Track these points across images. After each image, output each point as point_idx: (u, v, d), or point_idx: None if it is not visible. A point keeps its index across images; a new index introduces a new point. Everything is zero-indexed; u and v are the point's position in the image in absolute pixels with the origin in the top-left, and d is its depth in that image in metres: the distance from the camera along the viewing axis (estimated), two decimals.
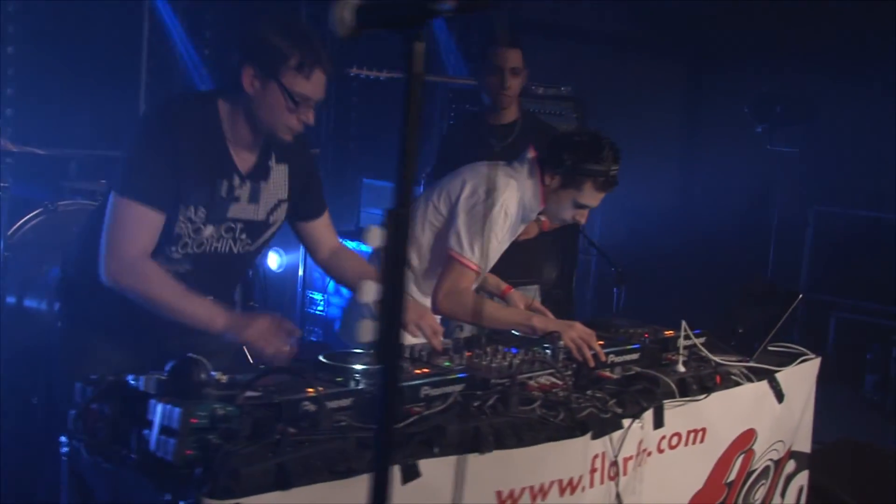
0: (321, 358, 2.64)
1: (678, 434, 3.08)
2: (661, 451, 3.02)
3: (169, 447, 1.99)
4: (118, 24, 6.34)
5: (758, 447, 3.35)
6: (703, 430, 3.16)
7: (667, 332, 3.38)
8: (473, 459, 2.38)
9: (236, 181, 2.82)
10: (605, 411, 2.78)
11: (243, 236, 2.91)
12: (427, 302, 3.36)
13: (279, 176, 2.94)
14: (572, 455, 2.65)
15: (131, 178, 2.68)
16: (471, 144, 3.99)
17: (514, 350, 3.01)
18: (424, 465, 2.28)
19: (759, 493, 3.47)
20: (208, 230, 2.81)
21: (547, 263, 4.55)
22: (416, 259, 3.46)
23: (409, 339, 3.05)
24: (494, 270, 3.75)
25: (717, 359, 3.32)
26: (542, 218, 3.68)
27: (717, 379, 3.18)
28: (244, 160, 2.84)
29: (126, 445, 2.10)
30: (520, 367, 2.84)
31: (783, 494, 3.65)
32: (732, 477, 3.30)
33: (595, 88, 6.54)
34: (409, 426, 2.34)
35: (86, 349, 2.80)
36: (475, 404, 2.53)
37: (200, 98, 2.88)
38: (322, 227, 3.14)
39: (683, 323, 3.28)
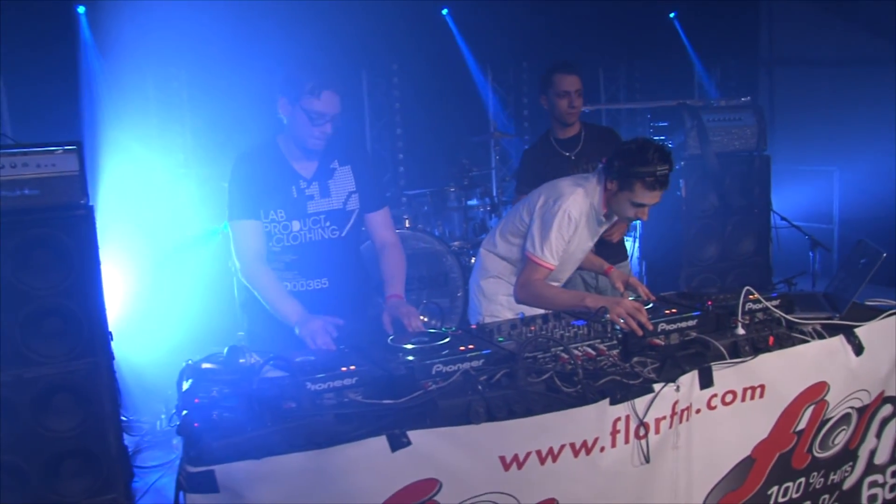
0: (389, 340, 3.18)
1: (732, 392, 3.23)
2: (712, 407, 3.19)
3: (178, 418, 2.60)
4: None
5: (831, 398, 3.43)
6: (762, 386, 3.28)
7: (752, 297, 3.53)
8: (475, 429, 2.70)
9: (302, 184, 3.70)
10: (634, 377, 3.00)
11: (328, 224, 3.73)
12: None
13: (344, 174, 3.79)
14: (584, 421, 2.86)
15: (231, 205, 3.63)
16: (545, 157, 4.89)
17: (581, 323, 3.39)
18: (418, 434, 2.63)
19: (840, 438, 3.57)
20: (295, 225, 3.62)
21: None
22: (516, 260, 4.03)
23: (505, 315, 3.81)
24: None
25: (792, 318, 3.49)
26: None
27: (770, 340, 3.32)
28: (306, 168, 3.72)
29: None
30: (558, 340, 3.14)
31: (879, 436, 3.74)
32: (802, 426, 3.42)
33: None
34: (409, 401, 2.72)
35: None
36: (482, 378, 2.86)
37: (264, 139, 3.76)
38: (378, 221, 3.81)
39: (746, 288, 3.48)
